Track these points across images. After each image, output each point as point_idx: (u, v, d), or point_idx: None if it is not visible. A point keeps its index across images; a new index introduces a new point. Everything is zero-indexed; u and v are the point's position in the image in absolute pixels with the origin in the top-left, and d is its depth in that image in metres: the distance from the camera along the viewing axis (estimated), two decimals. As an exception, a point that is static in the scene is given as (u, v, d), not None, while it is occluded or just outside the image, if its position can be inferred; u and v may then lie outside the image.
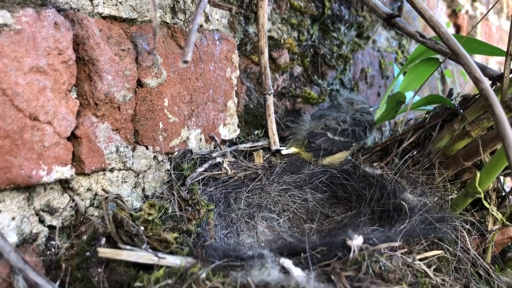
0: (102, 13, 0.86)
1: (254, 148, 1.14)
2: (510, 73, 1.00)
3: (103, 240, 0.75)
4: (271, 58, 1.29)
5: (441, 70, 2.44)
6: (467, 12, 2.89)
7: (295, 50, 1.36)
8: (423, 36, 1.21)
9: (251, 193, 1.08)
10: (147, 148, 0.93)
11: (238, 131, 1.17)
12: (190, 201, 0.89)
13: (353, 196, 1.08)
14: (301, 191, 1.13)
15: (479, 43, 1.18)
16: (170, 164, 0.98)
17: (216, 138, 1.08)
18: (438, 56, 1.27)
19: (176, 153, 0.99)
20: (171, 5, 0.99)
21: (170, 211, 0.85)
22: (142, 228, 0.76)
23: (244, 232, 1.07)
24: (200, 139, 1.06)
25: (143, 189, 0.94)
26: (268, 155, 1.15)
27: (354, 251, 0.70)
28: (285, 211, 1.13)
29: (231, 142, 1.16)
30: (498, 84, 1.06)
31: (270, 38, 1.28)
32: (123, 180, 0.90)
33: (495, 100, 0.62)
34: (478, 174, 0.82)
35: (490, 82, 1.08)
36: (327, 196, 1.13)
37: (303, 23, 1.37)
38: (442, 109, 1.18)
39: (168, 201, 0.89)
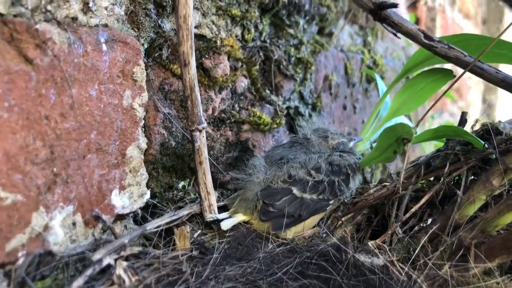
0: None
1: (175, 223, 0.69)
2: None
3: None
4: (202, 68, 0.84)
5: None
6: (425, 3, 2.63)
7: (238, 55, 0.91)
8: (429, 37, 0.81)
9: (170, 305, 0.64)
10: None
11: (148, 194, 0.71)
12: None
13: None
14: (255, 290, 0.70)
15: (512, 49, 0.79)
16: (8, 285, 0.51)
17: (104, 217, 0.61)
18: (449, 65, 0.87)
19: (20, 261, 0.52)
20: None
21: None
22: None
23: None
24: (74, 224, 0.59)
25: None
26: (200, 231, 0.70)
27: None
28: (229, 323, 0.69)
29: (137, 215, 0.71)
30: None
31: (201, 37, 0.83)
32: None
33: None
34: None
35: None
36: (296, 296, 0.70)
37: (249, 15, 0.92)
38: (458, 146, 0.79)
39: None
